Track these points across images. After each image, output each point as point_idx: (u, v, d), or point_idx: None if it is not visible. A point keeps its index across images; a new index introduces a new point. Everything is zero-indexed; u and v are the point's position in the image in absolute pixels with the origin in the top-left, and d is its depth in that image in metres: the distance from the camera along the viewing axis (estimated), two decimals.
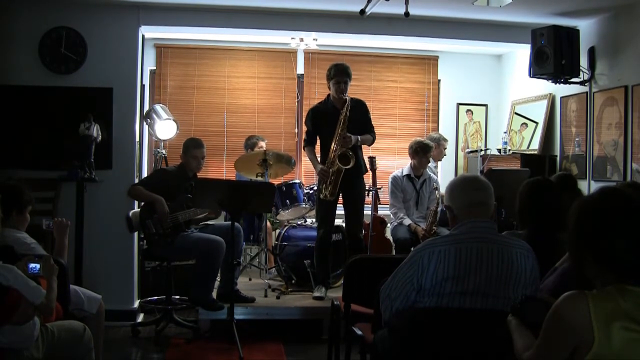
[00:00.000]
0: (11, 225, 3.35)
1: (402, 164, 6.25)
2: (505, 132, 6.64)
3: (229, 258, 4.71)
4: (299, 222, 5.90)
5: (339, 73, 5.07)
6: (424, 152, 5.75)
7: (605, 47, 5.46)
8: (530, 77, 5.70)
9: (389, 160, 7.06)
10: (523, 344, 1.95)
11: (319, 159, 5.23)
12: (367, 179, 5.81)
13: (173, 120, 5.93)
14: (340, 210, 5.36)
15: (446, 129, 7.19)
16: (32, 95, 5.32)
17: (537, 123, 6.36)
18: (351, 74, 5.16)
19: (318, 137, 5.29)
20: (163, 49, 6.70)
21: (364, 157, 5.83)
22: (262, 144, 6.21)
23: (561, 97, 6.03)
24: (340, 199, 5.28)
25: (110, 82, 5.42)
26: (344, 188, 5.14)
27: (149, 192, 4.77)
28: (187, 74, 6.75)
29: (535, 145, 6.28)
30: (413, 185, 5.81)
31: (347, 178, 5.08)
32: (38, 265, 2.97)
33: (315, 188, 5.47)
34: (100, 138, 5.15)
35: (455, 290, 2.42)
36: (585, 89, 5.64)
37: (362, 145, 5.29)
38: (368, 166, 5.81)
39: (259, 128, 6.80)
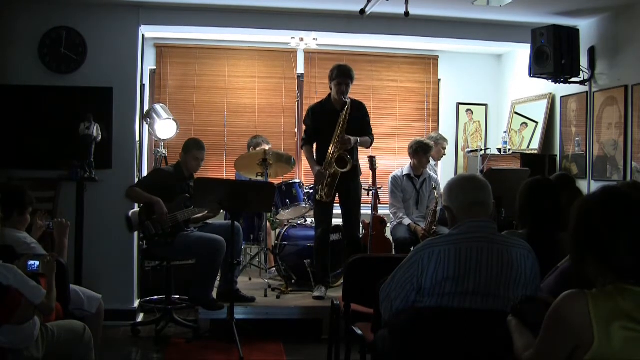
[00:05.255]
0: (11, 226, 3.36)
1: (402, 164, 6.25)
2: (505, 132, 6.64)
3: (229, 258, 4.71)
4: (299, 222, 5.90)
5: (341, 75, 5.07)
6: (424, 152, 5.74)
7: (605, 47, 5.46)
8: (530, 76, 5.70)
9: (388, 160, 7.06)
10: (523, 344, 1.95)
11: (315, 159, 5.25)
12: (367, 178, 5.82)
13: (173, 120, 5.93)
14: (337, 210, 5.37)
15: (446, 128, 7.19)
16: (32, 95, 5.31)
17: (537, 123, 6.36)
18: (354, 76, 5.15)
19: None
20: (163, 49, 6.70)
21: (365, 156, 5.86)
22: (266, 147, 6.19)
23: (561, 97, 6.03)
24: (338, 199, 5.28)
25: (110, 82, 5.42)
26: (340, 189, 5.16)
27: (146, 193, 4.77)
28: (187, 73, 6.75)
29: (535, 145, 6.28)
30: (413, 185, 5.81)
31: (343, 179, 5.10)
32: (37, 262, 2.98)
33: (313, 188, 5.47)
34: (100, 138, 5.15)
35: (455, 291, 2.42)
36: (585, 88, 5.64)
37: (360, 147, 5.29)
38: (368, 166, 5.83)
39: (259, 128, 6.80)
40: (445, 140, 6.64)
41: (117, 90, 5.44)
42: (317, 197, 5.17)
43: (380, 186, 5.91)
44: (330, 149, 5.07)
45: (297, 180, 5.96)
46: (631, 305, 1.68)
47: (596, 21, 5.59)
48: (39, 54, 5.33)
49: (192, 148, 5.02)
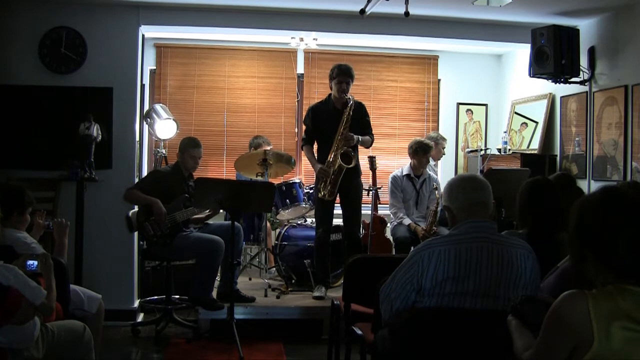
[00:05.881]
0: (11, 226, 3.36)
1: (402, 164, 6.25)
2: (505, 132, 6.64)
3: (229, 258, 4.71)
4: (299, 222, 5.90)
5: (342, 73, 5.10)
6: (423, 152, 5.74)
7: (605, 47, 5.46)
8: (530, 76, 5.70)
9: (388, 160, 7.06)
10: (523, 344, 1.95)
11: (316, 158, 5.26)
12: (367, 178, 5.81)
13: (173, 120, 5.93)
14: (338, 210, 5.37)
15: (446, 128, 7.19)
16: (32, 95, 5.31)
17: (537, 123, 6.36)
18: (354, 75, 5.18)
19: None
20: (163, 49, 6.70)
21: (365, 156, 5.86)
22: (266, 147, 6.19)
23: (561, 97, 6.03)
24: (338, 199, 5.29)
25: (110, 82, 5.42)
26: (341, 188, 5.16)
27: (144, 194, 4.77)
28: (187, 73, 6.75)
29: (535, 145, 6.28)
30: (413, 185, 5.81)
31: (344, 178, 5.10)
32: (36, 262, 2.98)
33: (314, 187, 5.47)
34: (100, 138, 5.15)
35: (455, 291, 2.42)
36: (585, 88, 5.64)
37: (360, 146, 5.30)
38: (368, 166, 5.83)
39: (259, 128, 6.80)
40: (444, 139, 6.64)
41: (117, 90, 5.44)
42: (319, 195, 5.18)
43: (380, 186, 5.91)
44: (333, 147, 5.08)
45: (297, 181, 5.96)
46: (631, 305, 1.68)
47: (596, 21, 5.58)
48: (39, 54, 5.33)
49: (187, 147, 5.03)
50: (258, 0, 5.41)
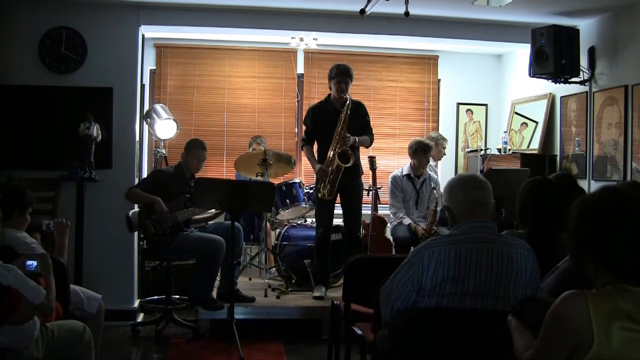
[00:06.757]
0: (12, 226, 3.36)
1: (402, 164, 6.25)
2: (505, 132, 6.64)
3: (229, 258, 4.71)
4: (299, 222, 5.90)
5: (341, 73, 5.10)
6: (423, 152, 5.75)
7: (605, 47, 5.46)
8: (530, 76, 5.70)
9: (389, 160, 7.06)
10: (523, 344, 1.95)
11: (316, 159, 5.26)
12: (367, 178, 5.81)
13: (173, 120, 5.93)
14: (338, 210, 5.37)
15: (446, 128, 7.19)
16: (32, 95, 5.31)
17: (537, 123, 6.36)
18: (353, 74, 5.18)
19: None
20: (163, 49, 6.70)
21: (365, 156, 5.86)
22: (257, 147, 6.20)
23: (561, 97, 6.03)
24: (338, 199, 5.29)
25: (110, 82, 5.42)
26: (341, 188, 5.16)
27: (146, 193, 4.77)
28: (187, 73, 6.75)
29: (535, 144, 6.28)
30: (413, 185, 5.81)
31: (344, 178, 5.10)
32: (35, 262, 2.98)
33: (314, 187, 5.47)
34: (100, 138, 5.15)
35: (455, 291, 2.42)
36: (585, 88, 5.64)
37: (360, 146, 5.30)
38: (368, 166, 5.83)
39: (259, 128, 6.80)
40: (445, 139, 6.64)
41: (117, 90, 5.44)
42: (319, 195, 5.18)
43: (380, 186, 5.91)
44: (332, 146, 5.08)
45: (297, 181, 5.96)
46: (631, 305, 1.68)
47: (596, 21, 5.58)
48: (39, 54, 5.33)
49: (193, 147, 5.04)
50: (258, 0, 5.41)
